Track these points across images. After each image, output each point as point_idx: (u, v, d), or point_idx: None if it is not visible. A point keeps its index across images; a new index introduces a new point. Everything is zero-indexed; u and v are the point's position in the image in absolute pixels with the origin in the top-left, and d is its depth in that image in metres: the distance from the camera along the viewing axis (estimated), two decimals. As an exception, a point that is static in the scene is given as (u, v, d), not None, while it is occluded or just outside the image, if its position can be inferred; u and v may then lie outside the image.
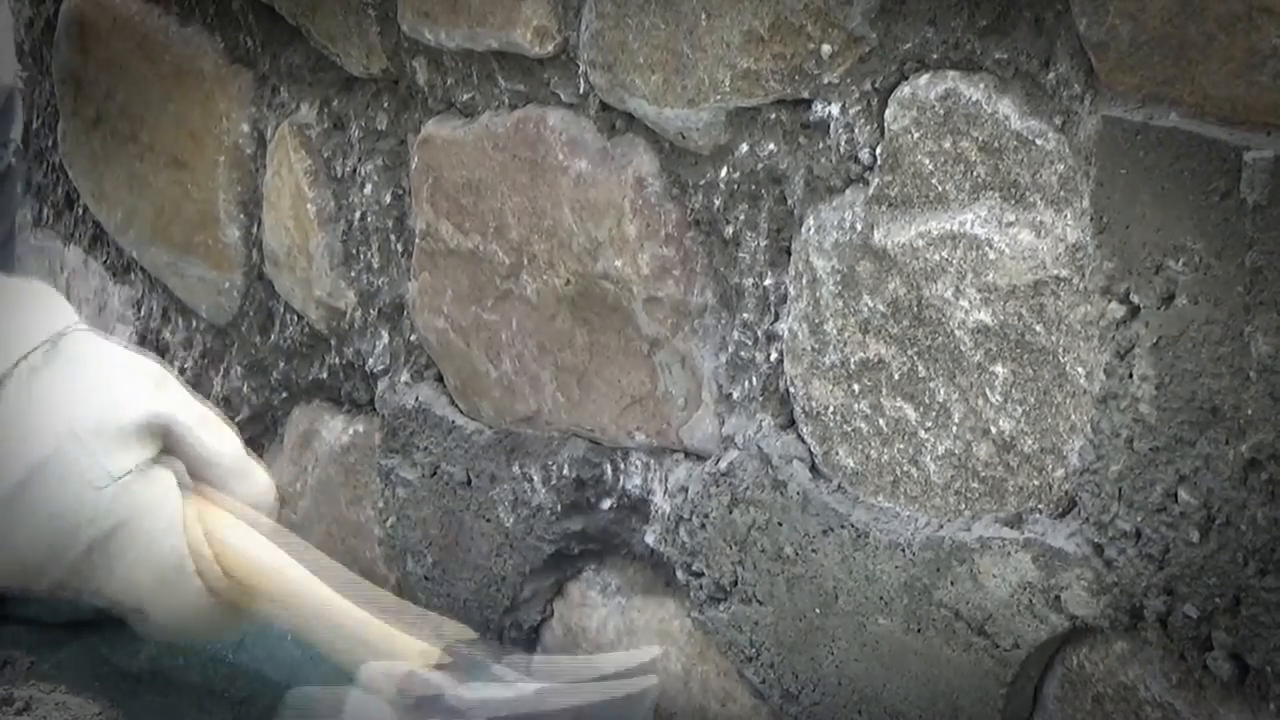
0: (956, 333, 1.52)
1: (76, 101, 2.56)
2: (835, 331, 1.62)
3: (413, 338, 2.11)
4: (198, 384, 2.46)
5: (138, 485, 1.28)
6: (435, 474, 2.10)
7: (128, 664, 2.14)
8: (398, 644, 1.35)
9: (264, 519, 1.36)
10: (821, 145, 1.60)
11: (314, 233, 2.19)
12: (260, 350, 2.37)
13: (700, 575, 1.80)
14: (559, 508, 1.94)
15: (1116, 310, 1.39)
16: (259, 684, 2.01)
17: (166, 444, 1.31)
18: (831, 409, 1.65)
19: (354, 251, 2.16)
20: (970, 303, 1.50)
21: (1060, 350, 1.45)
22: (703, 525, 1.79)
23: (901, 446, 1.60)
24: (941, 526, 1.58)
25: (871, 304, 1.58)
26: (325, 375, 2.27)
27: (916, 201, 1.52)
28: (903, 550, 1.60)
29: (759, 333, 1.72)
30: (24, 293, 1.33)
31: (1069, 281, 1.42)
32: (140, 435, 1.28)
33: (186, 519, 1.31)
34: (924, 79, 1.51)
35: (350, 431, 2.24)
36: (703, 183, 1.73)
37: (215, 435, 1.34)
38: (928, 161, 1.51)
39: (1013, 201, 1.45)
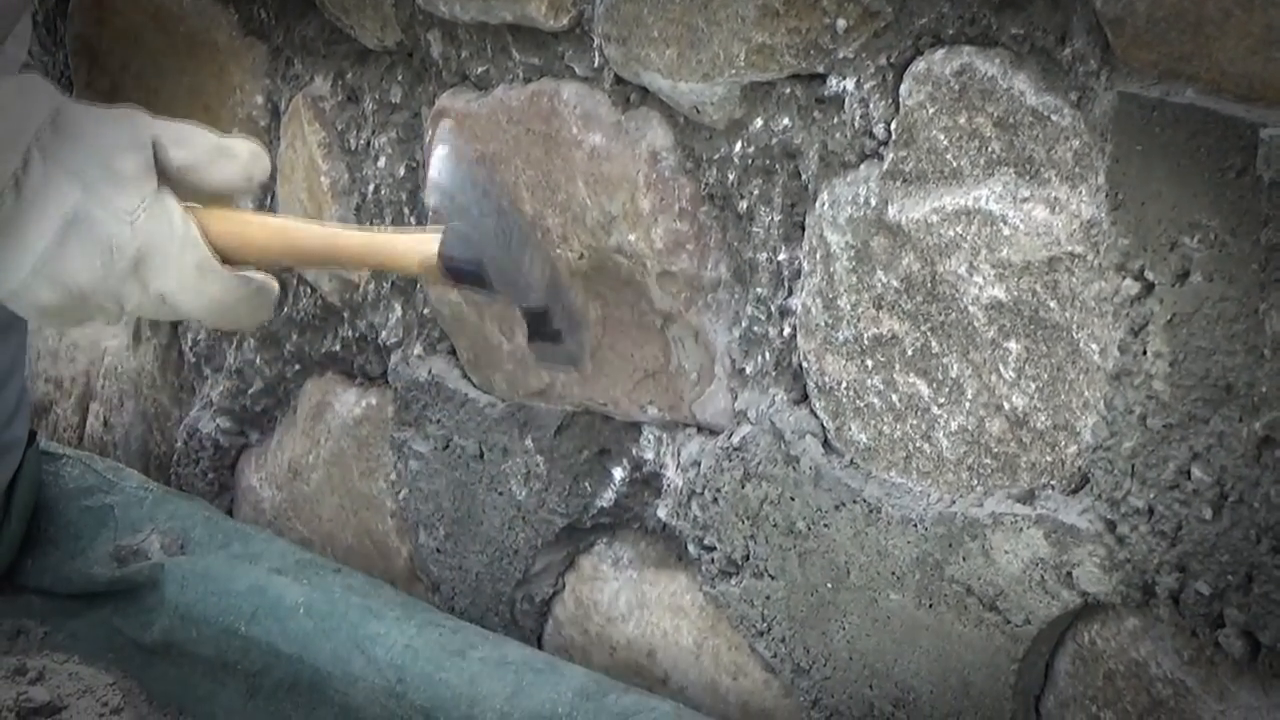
0: (970, 309, 1.52)
1: (90, 73, 2.56)
2: (849, 307, 1.62)
3: (426, 310, 2.11)
4: (210, 356, 2.46)
5: (149, 216, 1.53)
6: (448, 447, 2.10)
7: (140, 635, 2.15)
8: (400, 239, 1.63)
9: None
10: (836, 120, 1.60)
11: (328, 205, 2.19)
12: (273, 322, 2.37)
13: (712, 549, 1.81)
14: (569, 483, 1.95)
15: (1131, 287, 1.38)
16: (271, 656, 2.02)
17: (160, 167, 1.57)
18: (844, 384, 1.65)
19: (368, 224, 2.16)
20: (984, 279, 1.50)
21: (1074, 326, 1.44)
22: (715, 500, 1.79)
23: (914, 422, 1.60)
24: (954, 502, 1.58)
25: (885, 279, 1.58)
26: (338, 348, 2.27)
27: (931, 177, 1.52)
28: (915, 526, 1.61)
29: (772, 307, 1.72)
30: (16, 87, 1.55)
31: (1083, 258, 1.42)
32: (138, 173, 1.54)
33: (197, 226, 1.57)
34: (939, 54, 1.50)
35: (363, 404, 2.24)
36: (717, 157, 1.72)
37: (188, 144, 1.59)
38: (942, 137, 1.50)
39: (1027, 177, 1.45)
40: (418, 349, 2.14)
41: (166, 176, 1.57)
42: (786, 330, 1.71)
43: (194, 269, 1.56)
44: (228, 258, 1.60)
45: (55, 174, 1.50)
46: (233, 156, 1.61)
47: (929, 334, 1.56)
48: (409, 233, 1.63)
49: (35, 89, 1.56)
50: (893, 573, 1.63)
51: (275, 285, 1.64)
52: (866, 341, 1.61)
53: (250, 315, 1.65)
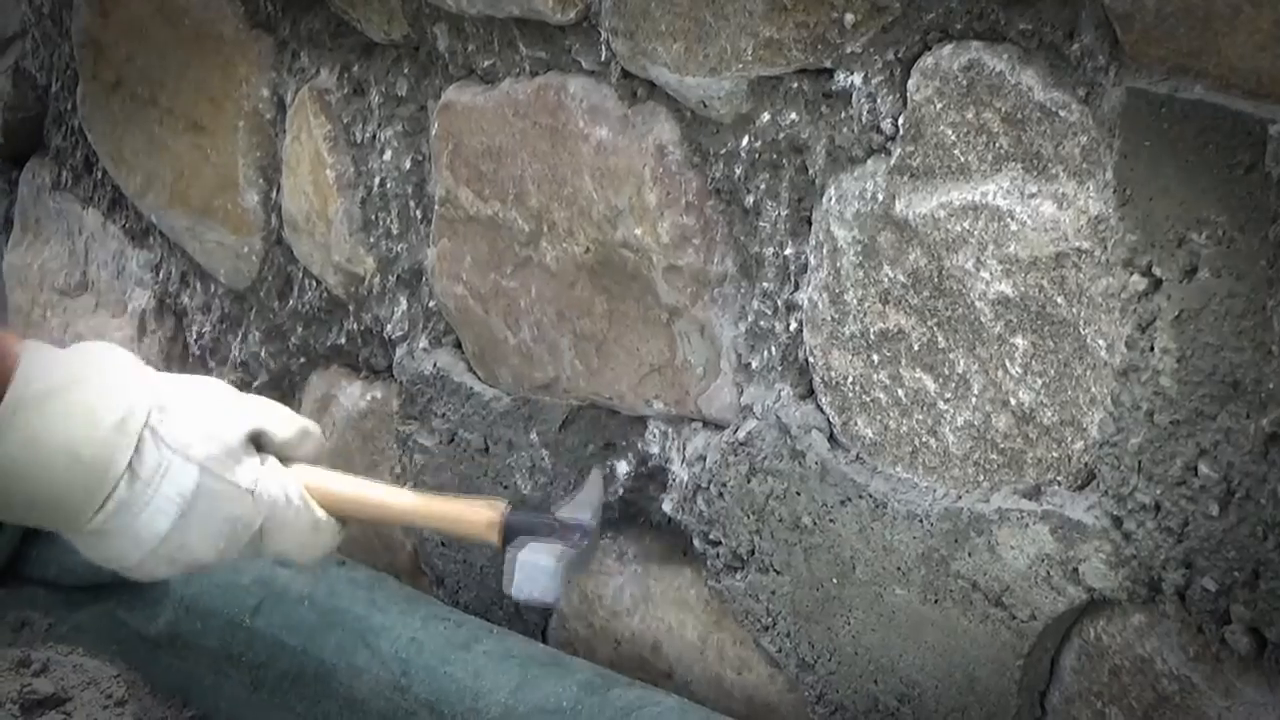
0: (977, 304, 1.51)
1: (96, 65, 2.56)
2: (855, 301, 1.62)
3: (431, 304, 2.11)
4: (216, 348, 2.47)
5: (264, 485, 1.57)
6: (453, 440, 2.10)
7: (145, 627, 2.15)
8: (467, 508, 1.72)
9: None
10: (843, 115, 1.60)
11: (333, 198, 2.19)
12: (278, 315, 2.37)
13: (718, 544, 1.81)
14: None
15: (1138, 283, 1.38)
16: (276, 648, 2.02)
17: (255, 439, 1.60)
18: (851, 379, 1.65)
19: (373, 217, 2.16)
20: (991, 274, 1.49)
21: (1081, 322, 1.44)
22: (720, 494, 1.79)
23: (920, 417, 1.60)
24: (960, 497, 1.58)
25: (892, 274, 1.58)
26: (343, 341, 2.27)
27: (938, 172, 1.52)
28: (921, 521, 1.61)
29: (779, 302, 1.72)
30: (95, 355, 1.54)
31: (1091, 254, 1.42)
32: (245, 446, 1.57)
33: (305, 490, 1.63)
34: (947, 49, 1.50)
35: (368, 397, 2.24)
36: (724, 151, 1.72)
37: (282, 419, 1.64)
38: (950, 132, 1.50)
39: (1035, 173, 1.45)
40: (423, 342, 2.14)
41: (265, 449, 1.62)
42: (793, 325, 1.70)
43: (310, 530, 1.63)
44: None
45: (169, 455, 1.51)
46: (310, 433, 1.66)
47: (935, 329, 1.56)
48: (473, 502, 1.74)
49: (120, 361, 1.56)
50: (898, 568, 1.63)
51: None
52: (873, 336, 1.61)
53: (329, 550, 1.71)
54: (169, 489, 1.51)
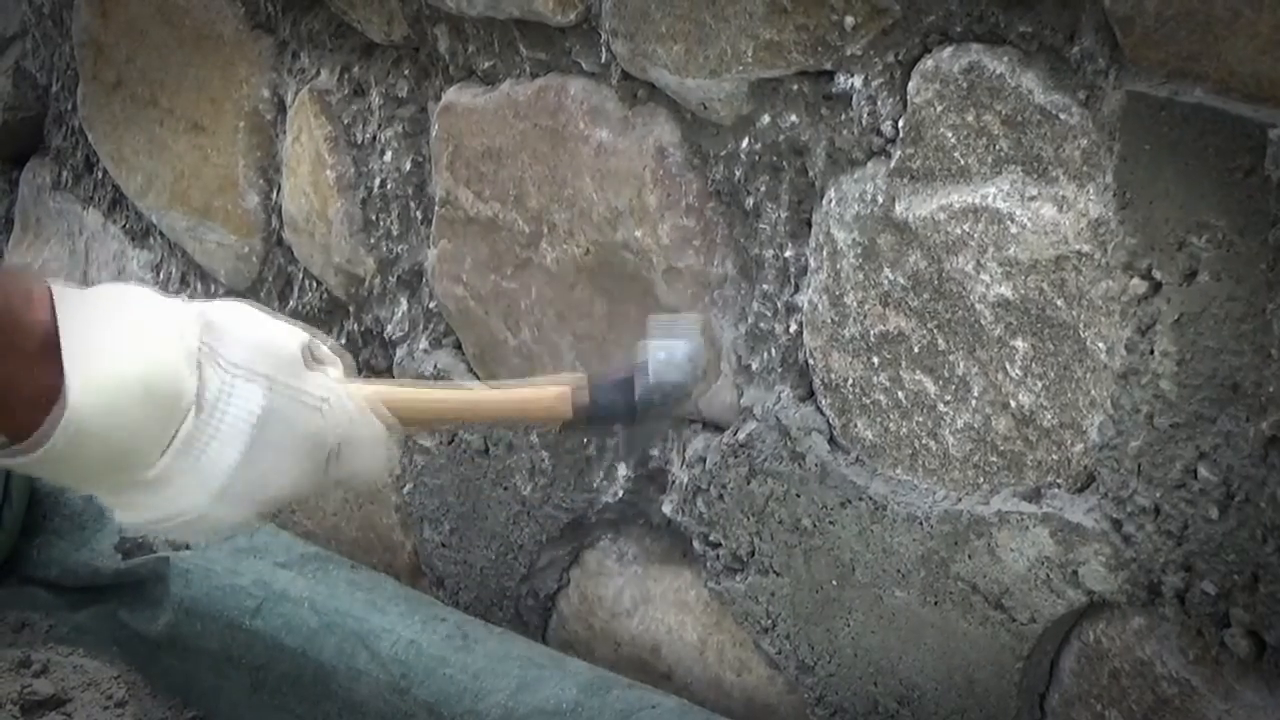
0: (977, 306, 1.51)
1: (96, 65, 2.56)
2: (855, 304, 1.62)
3: (431, 305, 2.11)
4: (216, 349, 2.46)
5: (335, 397, 1.40)
6: (453, 442, 2.10)
7: (146, 628, 2.15)
8: (544, 389, 1.54)
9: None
10: (844, 117, 1.60)
11: (333, 199, 2.19)
12: (279, 316, 2.37)
13: (717, 546, 1.81)
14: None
15: (1138, 286, 1.38)
16: (275, 650, 2.02)
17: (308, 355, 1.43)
18: (851, 381, 1.65)
19: (373, 218, 2.16)
20: (991, 277, 1.49)
21: (1081, 325, 1.44)
22: (720, 496, 1.79)
23: (920, 419, 1.60)
24: (960, 500, 1.58)
25: (892, 277, 1.58)
26: (344, 341, 2.27)
27: (938, 174, 1.52)
28: (920, 523, 1.61)
29: (779, 304, 1.72)
30: (119, 293, 1.37)
31: (1091, 257, 1.42)
32: (305, 358, 1.40)
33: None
34: (947, 51, 1.50)
35: (368, 398, 2.24)
36: (724, 153, 1.72)
37: (320, 341, 1.46)
38: (950, 134, 1.50)
39: (1035, 176, 1.45)
40: (423, 343, 2.14)
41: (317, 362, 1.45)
42: (793, 327, 1.70)
43: (373, 443, 1.46)
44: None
45: (230, 376, 1.33)
46: (345, 358, 1.50)
47: (936, 331, 1.56)
48: (540, 385, 1.56)
49: (146, 293, 1.39)
50: (898, 570, 1.63)
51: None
52: (873, 339, 1.61)
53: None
54: (237, 413, 1.33)
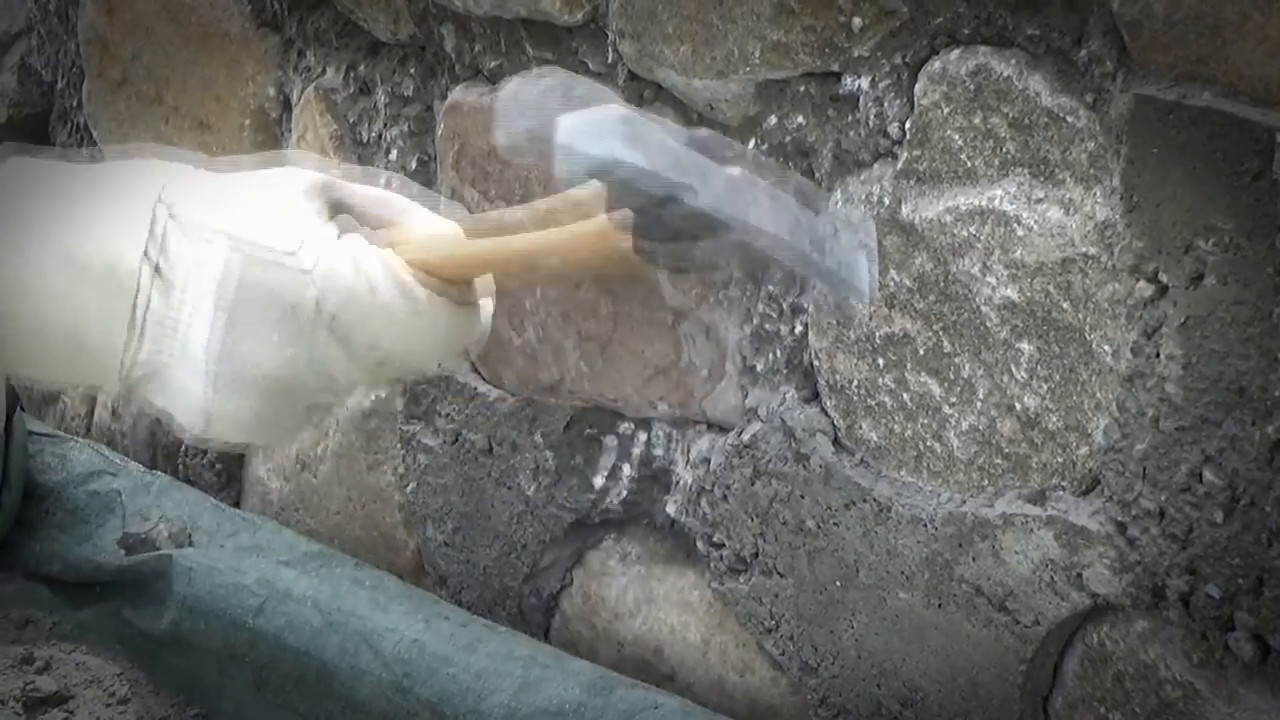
0: (983, 309, 1.51)
1: (102, 62, 2.56)
2: (861, 306, 1.62)
3: (436, 304, 2.11)
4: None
5: (325, 256, 1.15)
6: (457, 441, 2.10)
7: (149, 626, 2.15)
8: (587, 222, 1.17)
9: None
10: (850, 119, 1.60)
11: (338, 197, 2.19)
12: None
13: (721, 546, 1.81)
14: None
15: (1145, 289, 1.38)
16: (278, 649, 2.02)
17: (332, 208, 1.19)
18: (856, 383, 1.65)
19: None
20: (997, 279, 1.49)
21: (1087, 328, 1.44)
22: (724, 497, 1.79)
23: (925, 421, 1.59)
24: (964, 502, 1.58)
25: (898, 279, 1.58)
26: (348, 340, 2.27)
27: (945, 177, 1.52)
28: (925, 525, 1.60)
29: (784, 305, 1.71)
30: (129, 165, 1.19)
31: (1097, 259, 1.42)
32: (299, 211, 1.17)
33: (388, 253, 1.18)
34: (955, 54, 1.50)
35: (372, 397, 2.24)
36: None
37: (371, 186, 1.23)
38: (957, 137, 1.50)
39: (1042, 178, 1.45)
40: (427, 342, 2.14)
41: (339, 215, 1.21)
42: (798, 328, 1.70)
43: (406, 309, 1.16)
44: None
45: (198, 241, 1.13)
46: (391, 203, 1.22)
47: (941, 333, 1.56)
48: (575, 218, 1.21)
49: (158, 161, 1.20)
50: (902, 572, 1.63)
51: (487, 301, 1.24)
52: (878, 340, 1.61)
53: (473, 341, 1.23)
54: (204, 282, 1.12)
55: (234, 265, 1.13)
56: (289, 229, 1.14)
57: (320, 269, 1.14)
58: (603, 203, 1.15)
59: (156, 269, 1.13)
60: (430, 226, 1.21)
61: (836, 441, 1.69)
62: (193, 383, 1.14)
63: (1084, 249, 1.43)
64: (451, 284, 1.18)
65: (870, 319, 1.61)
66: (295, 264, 1.14)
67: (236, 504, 2.41)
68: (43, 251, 1.13)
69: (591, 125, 1.12)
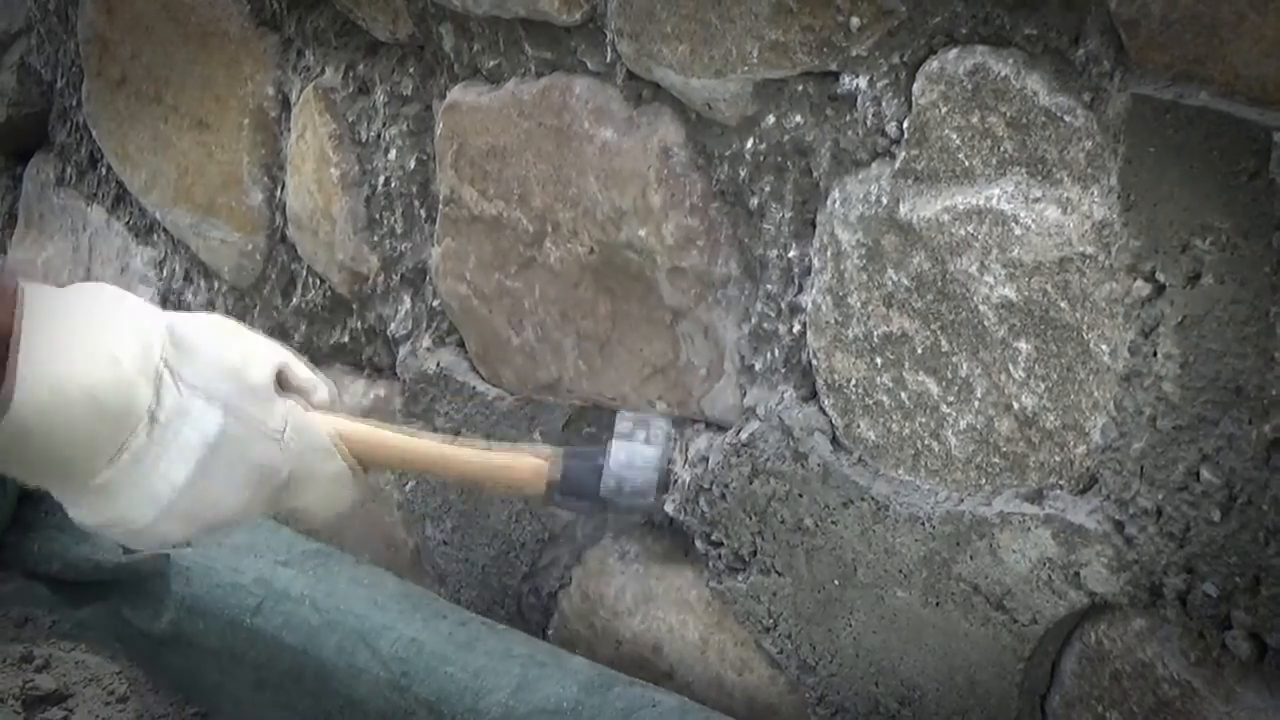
0: (981, 308, 1.52)
1: (101, 61, 2.57)
2: (859, 305, 1.62)
3: (435, 303, 2.11)
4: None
5: (298, 433, 1.41)
6: (456, 439, 2.10)
7: (148, 625, 2.15)
8: (520, 457, 1.56)
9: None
10: (848, 118, 1.60)
11: (337, 197, 2.19)
12: (282, 313, 2.37)
13: (719, 545, 1.81)
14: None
15: (1142, 288, 1.39)
16: (277, 647, 2.02)
17: (279, 379, 1.43)
18: (854, 382, 1.65)
19: (377, 216, 2.17)
20: (995, 278, 1.50)
21: (1084, 327, 1.45)
22: (723, 495, 1.79)
23: (923, 420, 1.60)
24: (962, 501, 1.58)
25: (896, 278, 1.58)
26: (347, 339, 2.27)
27: (943, 176, 1.52)
28: (923, 524, 1.61)
29: (782, 304, 1.72)
30: (95, 297, 1.36)
31: (1095, 259, 1.42)
32: (271, 386, 1.40)
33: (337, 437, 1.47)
34: (953, 53, 1.50)
35: (371, 395, 2.24)
36: (728, 153, 1.73)
37: (299, 361, 1.48)
38: (955, 136, 1.50)
39: (1040, 178, 1.45)
40: (427, 341, 2.14)
41: (287, 389, 1.45)
42: (796, 327, 1.71)
43: (332, 482, 1.46)
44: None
45: (189, 396, 1.33)
46: (325, 382, 1.50)
47: (939, 333, 1.56)
48: (522, 453, 1.58)
49: (125, 297, 1.38)
50: (900, 570, 1.64)
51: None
52: (876, 339, 1.61)
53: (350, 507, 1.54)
54: (190, 434, 1.33)
55: (227, 428, 1.35)
56: (269, 404, 1.39)
57: (289, 443, 1.40)
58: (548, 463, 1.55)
59: (151, 415, 1.32)
60: (326, 406, 1.48)
61: (834, 440, 1.69)
62: (144, 506, 1.34)
63: (1081, 248, 1.43)
64: (362, 461, 1.48)
65: (869, 318, 1.61)
66: (275, 437, 1.39)
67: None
68: (63, 385, 1.27)
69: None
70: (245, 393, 1.37)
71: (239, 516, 1.40)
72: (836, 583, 1.70)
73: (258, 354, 1.41)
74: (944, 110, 1.51)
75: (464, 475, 1.60)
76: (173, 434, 1.33)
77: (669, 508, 1.87)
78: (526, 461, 1.55)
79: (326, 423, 1.46)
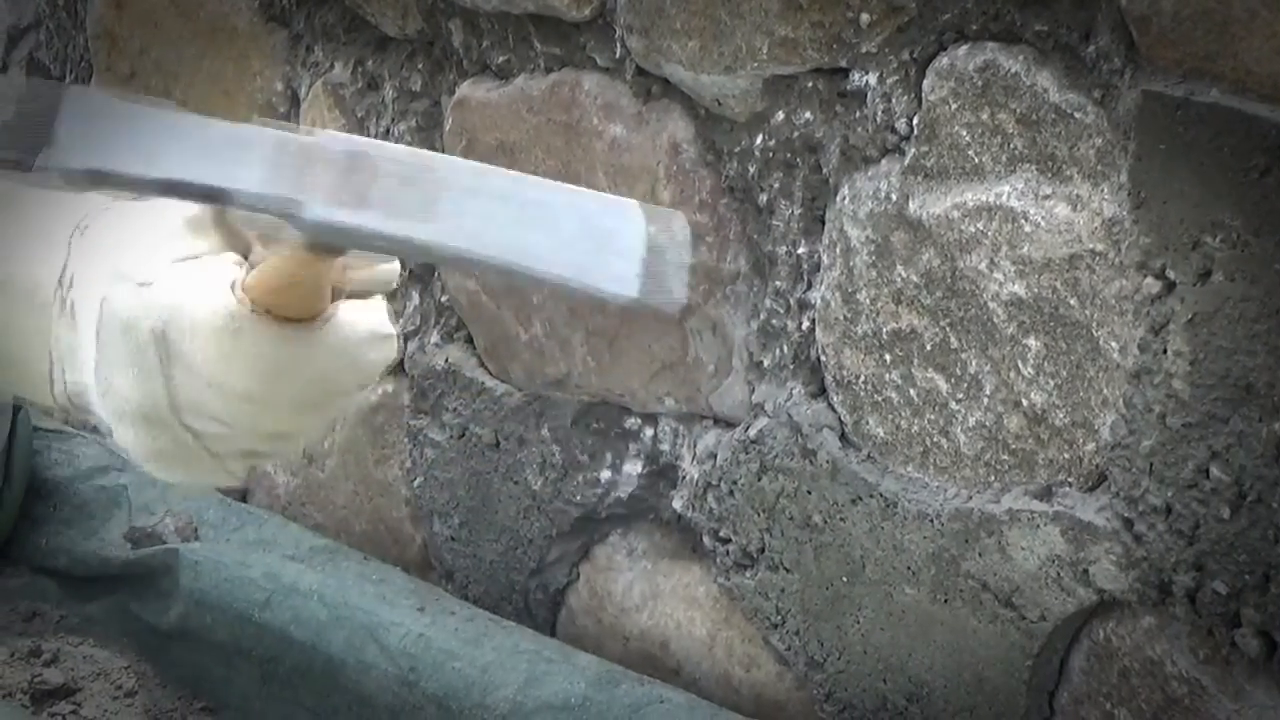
0: (990, 305, 1.52)
1: (110, 57, 2.57)
2: (868, 301, 1.62)
3: (443, 299, 2.11)
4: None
5: (177, 274, 1.08)
6: (464, 435, 2.10)
7: (156, 620, 2.16)
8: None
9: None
10: (858, 114, 1.60)
11: (346, 192, 2.19)
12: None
13: (728, 541, 1.81)
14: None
15: (1152, 285, 1.38)
16: (285, 642, 2.02)
17: (227, 236, 1.11)
18: (863, 378, 1.65)
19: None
20: (1004, 275, 1.50)
21: (1094, 324, 1.44)
22: (731, 492, 1.79)
23: (932, 417, 1.60)
24: (970, 498, 1.58)
25: (905, 274, 1.58)
26: (355, 335, 2.27)
27: (953, 173, 1.52)
28: (931, 521, 1.61)
29: (791, 301, 1.72)
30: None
31: (1104, 256, 1.42)
32: (181, 235, 1.10)
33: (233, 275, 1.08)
34: (963, 50, 1.50)
35: (379, 391, 2.24)
36: (738, 149, 1.72)
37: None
38: (965, 133, 1.50)
39: (1049, 174, 1.45)
40: (435, 337, 2.14)
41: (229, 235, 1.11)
42: (805, 324, 1.71)
43: (222, 325, 1.06)
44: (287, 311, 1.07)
45: (90, 271, 1.10)
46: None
47: (948, 329, 1.56)
48: None
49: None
50: (908, 567, 1.63)
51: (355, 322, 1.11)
52: (885, 336, 1.61)
53: (344, 366, 1.10)
54: (89, 310, 1.10)
55: (107, 300, 1.09)
56: (158, 255, 1.08)
57: (160, 287, 1.07)
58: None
59: (63, 301, 1.12)
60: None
61: (843, 437, 1.69)
62: (98, 405, 1.11)
63: (1091, 245, 1.43)
64: (280, 305, 1.06)
65: (878, 314, 1.61)
66: (149, 296, 1.08)
67: (243, 498, 2.41)
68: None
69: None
70: (135, 249, 1.10)
71: (141, 396, 1.09)
72: (845, 579, 1.70)
73: (171, 210, 1.10)
74: (954, 107, 1.51)
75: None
76: (83, 318, 1.10)
77: (677, 504, 1.87)
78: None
79: (231, 262, 1.08)
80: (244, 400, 1.09)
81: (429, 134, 2.09)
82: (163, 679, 2.15)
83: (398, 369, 2.21)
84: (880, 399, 1.64)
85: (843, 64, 1.59)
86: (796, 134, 1.66)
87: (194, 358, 1.07)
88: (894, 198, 1.57)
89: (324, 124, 2.20)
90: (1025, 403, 1.51)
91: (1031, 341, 1.50)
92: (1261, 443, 1.34)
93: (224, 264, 1.08)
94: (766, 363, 1.76)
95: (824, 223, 1.66)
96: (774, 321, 1.74)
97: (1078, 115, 1.42)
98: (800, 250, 1.70)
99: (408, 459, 2.19)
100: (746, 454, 1.77)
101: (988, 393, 1.54)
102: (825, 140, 1.64)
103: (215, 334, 1.05)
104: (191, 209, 1.11)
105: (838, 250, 1.64)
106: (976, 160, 1.50)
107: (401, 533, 2.25)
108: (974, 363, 1.55)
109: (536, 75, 1.91)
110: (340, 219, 0.98)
